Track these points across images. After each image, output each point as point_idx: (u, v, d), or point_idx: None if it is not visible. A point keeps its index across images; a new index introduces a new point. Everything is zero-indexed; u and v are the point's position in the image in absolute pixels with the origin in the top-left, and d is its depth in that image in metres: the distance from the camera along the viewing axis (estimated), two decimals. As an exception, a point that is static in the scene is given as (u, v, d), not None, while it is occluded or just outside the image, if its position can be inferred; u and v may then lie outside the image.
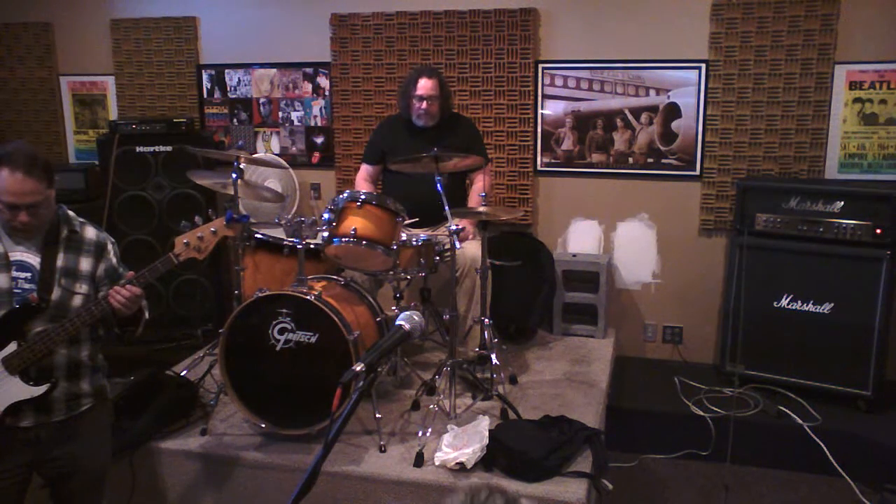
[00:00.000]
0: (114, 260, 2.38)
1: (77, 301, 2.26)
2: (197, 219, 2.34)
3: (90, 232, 2.35)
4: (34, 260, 2.23)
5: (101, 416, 2.45)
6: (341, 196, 3.13)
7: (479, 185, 3.77)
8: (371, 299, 3.18)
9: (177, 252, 2.30)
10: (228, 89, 4.83)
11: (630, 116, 4.22)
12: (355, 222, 3.04)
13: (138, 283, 2.23)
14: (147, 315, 2.38)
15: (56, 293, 2.22)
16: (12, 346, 2.18)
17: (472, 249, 3.48)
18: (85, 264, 2.30)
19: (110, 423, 2.53)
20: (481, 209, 3.23)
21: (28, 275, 2.21)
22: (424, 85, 3.60)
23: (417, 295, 3.65)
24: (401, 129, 3.77)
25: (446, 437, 2.79)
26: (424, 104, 3.61)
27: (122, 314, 2.24)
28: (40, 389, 2.21)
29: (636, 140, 4.23)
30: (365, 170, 3.88)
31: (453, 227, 3.02)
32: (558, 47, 4.27)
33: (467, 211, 3.41)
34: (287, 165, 4.58)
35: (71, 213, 2.35)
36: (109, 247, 2.38)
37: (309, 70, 4.68)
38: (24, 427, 2.23)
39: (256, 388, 2.89)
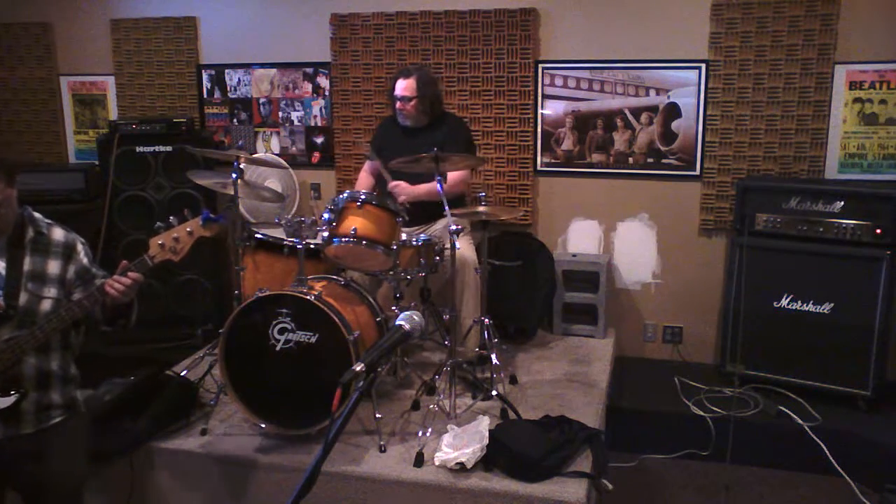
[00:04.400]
0: (85, 261, 2.29)
1: (46, 306, 2.18)
2: (172, 219, 2.26)
3: (58, 233, 2.26)
4: None
5: (75, 430, 2.35)
6: (341, 196, 3.13)
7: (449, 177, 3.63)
8: (371, 299, 3.18)
9: (151, 254, 2.22)
10: (228, 89, 4.83)
11: (630, 116, 4.22)
12: (355, 222, 3.04)
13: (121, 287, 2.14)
14: (136, 306, 2.29)
15: (23, 298, 2.14)
16: None
17: (462, 251, 3.45)
18: (53, 267, 2.21)
19: (85, 438, 2.42)
20: (481, 209, 3.23)
21: None
22: (400, 86, 3.62)
23: (417, 295, 3.65)
24: (392, 128, 3.83)
25: (446, 437, 2.79)
26: (399, 104, 3.64)
27: (118, 301, 2.15)
28: (9, 400, 2.12)
29: (636, 140, 4.23)
30: (368, 164, 3.99)
31: (453, 228, 3.02)
32: (558, 47, 4.27)
33: (467, 211, 3.41)
34: (287, 165, 4.58)
35: (37, 214, 2.27)
36: (79, 247, 2.29)
37: (309, 70, 4.68)
38: None
39: (256, 388, 2.89)
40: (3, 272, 2.14)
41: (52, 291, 2.20)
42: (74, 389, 2.35)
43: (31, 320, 2.14)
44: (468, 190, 3.96)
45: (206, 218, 2.27)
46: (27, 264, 2.18)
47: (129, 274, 2.14)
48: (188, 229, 2.25)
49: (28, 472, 2.22)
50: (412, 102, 3.62)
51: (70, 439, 2.32)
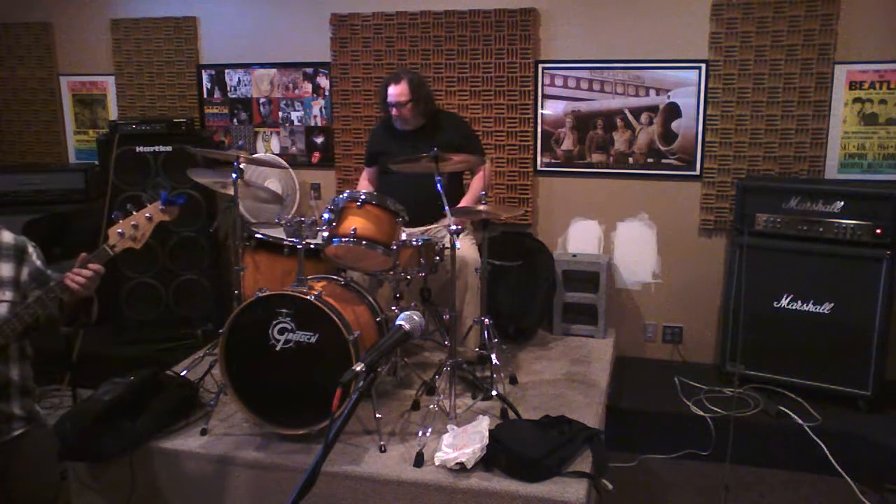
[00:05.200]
0: (38, 262, 2.25)
1: (2, 310, 2.13)
2: (129, 206, 2.22)
3: (6, 236, 2.23)
4: None
5: (39, 444, 2.28)
6: (341, 196, 3.13)
7: (476, 185, 3.75)
8: (371, 299, 3.18)
9: (111, 243, 2.17)
10: (228, 89, 4.83)
11: (630, 116, 4.22)
12: (355, 222, 3.04)
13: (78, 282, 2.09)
14: (96, 302, 2.24)
15: None
16: None
17: (463, 250, 3.46)
18: (5, 270, 2.17)
19: (52, 453, 2.37)
20: (481, 208, 3.23)
21: None
22: (392, 91, 3.60)
23: (417, 295, 3.65)
24: (389, 131, 3.81)
25: (446, 437, 2.79)
26: (394, 110, 3.63)
27: (79, 296, 2.11)
28: None
29: (636, 140, 4.23)
30: (366, 171, 3.97)
31: (453, 228, 3.02)
32: (558, 47, 4.27)
33: (467, 210, 3.41)
34: (287, 165, 4.58)
35: None
36: (30, 249, 2.26)
37: (309, 70, 4.68)
38: None
39: (256, 388, 2.89)
40: None
41: (7, 294, 2.15)
42: (34, 402, 2.29)
43: None
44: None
45: (165, 201, 2.23)
46: None
47: (90, 266, 2.09)
48: (147, 215, 2.22)
49: None
50: (408, 106, 3.61)
51: (34, 453, 2.25)
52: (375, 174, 3.91)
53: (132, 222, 2.20)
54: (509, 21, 4.24)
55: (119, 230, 2.18)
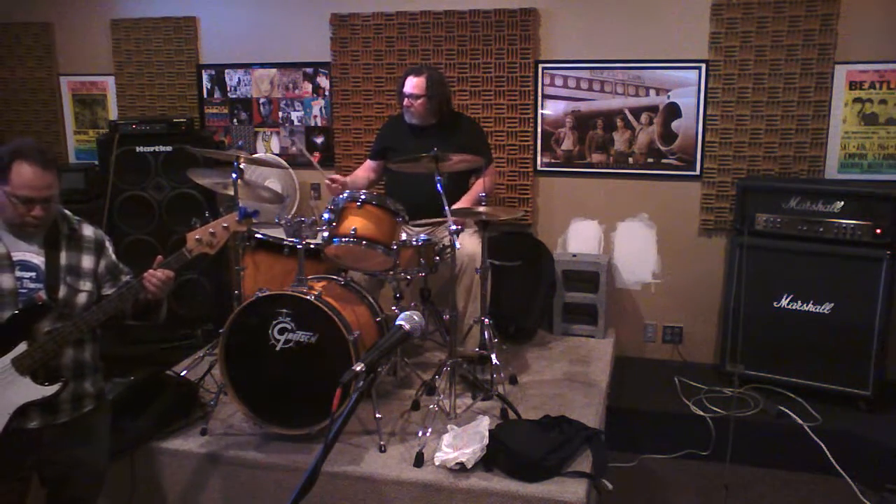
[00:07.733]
0: (113, 256, 2.41)
1: (82, 299, 2.28)
2: (207, 215, 2.39)
3: (88, 229, 2.37)
4: (38, 259, 2.23)
5: (103, 418, 2.47)
6: (341, 196, 3.13)
7: (477, 186, 3.76)
8: (371, 299, 3.18)
9: (189, 248, 2.33)
10: (228, 89, 4.83)
11: (630, 116, 4.22)
12: (355, 222, 3.04)
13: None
14: (165, 303, 2.41)
15: (62, 291, 2.24)
16: (22, 347, 2.17)
17: (469, 247, 3.47)
18: (87, 262, 2.32)
19: (109, 425, 2.54)
20: (481, 209, 3.23)
21: (33, 274, 2.22)
22: (410, 83, 3.64)
23: (417, 295, 3.65)
24: (402, 127, 3.80)
25: (446, 437, 2.79)
26: (407, 101, 3.65)
27: (155, 298, 2.28)
28: (52, 389, 2.20)
29: (636, 140, 4.23)
30: (367, 163, 3.97)
31: (453, 227, 3.02)
32: (558, 47, 4.27)
33: (467, 210, 3.41)
34: (287, 165, 4.58)
35: (67, 211, 2.37)
36: (107, 243, 2.41)
37: (309, 70, 4.68)
38: (29, 429, 2.22)
39: (256, 388, 2.89)
40: (43, 266, 2.23)
41: (87, 285, 2.30)
42: (102, 380, 2.45)
43: (70, 312, 2.24)
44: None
45: (243, 215, 2.39)
46: (63, 259, 2.27)
47: (162, 270, 2.26)
48: (224, 224, 2.36)
49: (59, 460, 2.31)
50: (420, 101, 3.63)
51: (100, 427, 2.44)
52: (378, 168, 3.90)
53: (210, 230, 2.35)
54: (509, 21, 4.24)
55: (197, 236, 2.34)
